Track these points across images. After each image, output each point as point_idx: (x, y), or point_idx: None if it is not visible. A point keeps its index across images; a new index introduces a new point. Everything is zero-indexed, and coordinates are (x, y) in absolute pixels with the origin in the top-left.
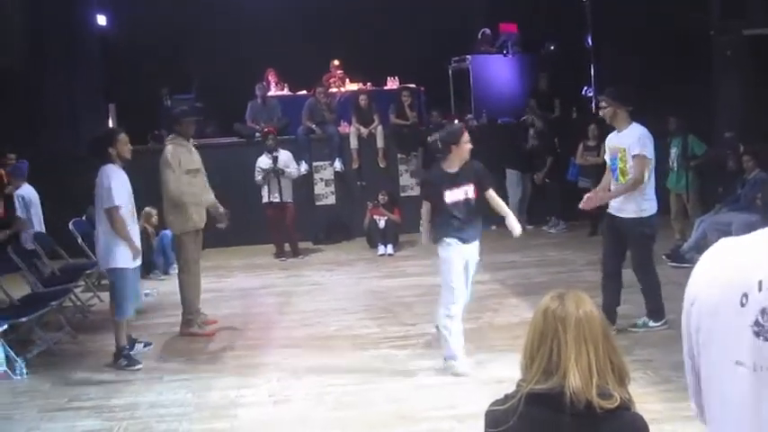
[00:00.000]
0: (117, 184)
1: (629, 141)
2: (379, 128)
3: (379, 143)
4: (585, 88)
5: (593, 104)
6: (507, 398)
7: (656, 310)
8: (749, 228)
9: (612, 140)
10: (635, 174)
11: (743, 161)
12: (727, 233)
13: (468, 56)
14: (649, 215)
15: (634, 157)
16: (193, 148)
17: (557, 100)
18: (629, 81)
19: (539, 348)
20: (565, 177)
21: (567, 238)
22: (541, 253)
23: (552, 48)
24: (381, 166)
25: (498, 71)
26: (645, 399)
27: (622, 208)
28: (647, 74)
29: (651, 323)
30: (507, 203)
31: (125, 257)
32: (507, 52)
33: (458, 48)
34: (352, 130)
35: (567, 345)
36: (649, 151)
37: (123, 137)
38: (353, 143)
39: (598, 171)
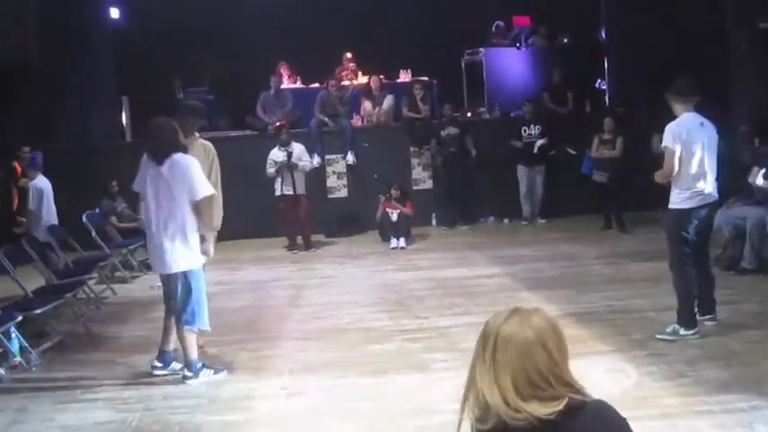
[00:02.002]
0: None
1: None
2: (389, 97)
3: (385, 106)
4: (599, 81)
5: (607, 98)
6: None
7: (685, 316)
8: (763, 222)
9: None
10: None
11: (757, 154)
12: (741, 227)
13: (481, 49)
14: (678, 209)
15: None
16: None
17: (570, 93)
18: (643, 74)
19: (469, 381)
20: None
21: (579, 233)
22: (553, 247)
23: (566, 41)
24: (381, 120)
25: (511, 64)
26: (659, 393)
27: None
28: (661, 68)
29: (682, 331)
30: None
31: (198, 255)
32: (520, 45)
33: (471, 40)
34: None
35: (482, 364)
36: (671, 141)
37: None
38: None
39: (613, 164)
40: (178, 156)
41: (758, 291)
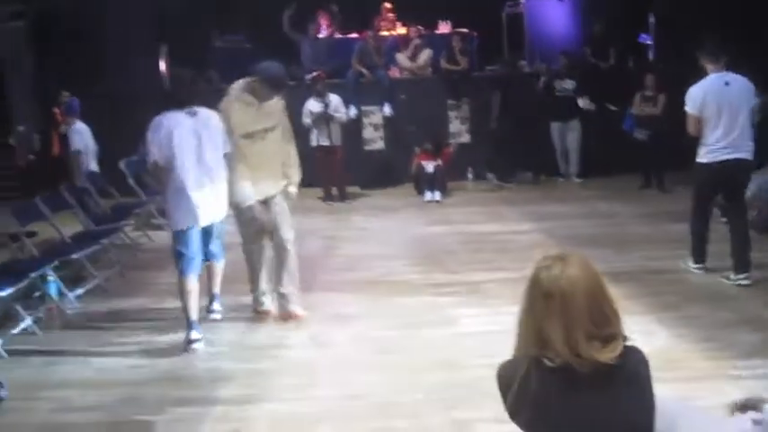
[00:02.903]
0: None
1: None
2: (427, 51)
3: (421, 61)
4: (642, 36)
5: (651, 53)
6: (517, 364)
7: (691, 250)
8: None
9: None
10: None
11: None
12: None
13: (522, 0)
14: (699, 162)
15: None
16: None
17: (612, 47)
18: (689, 28)
19: (527, 321)
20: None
21: (618, 191)
22: (590, 204)
23: None
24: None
25: (553, 16)
26: (688, 356)
27: None
28: (709, 20)
29: (689, 263)
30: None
31: None
32: None
33: None
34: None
35: (552, 318)
36: (690, 106)
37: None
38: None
39: (654, 122)
40: (205, 109)
41: None
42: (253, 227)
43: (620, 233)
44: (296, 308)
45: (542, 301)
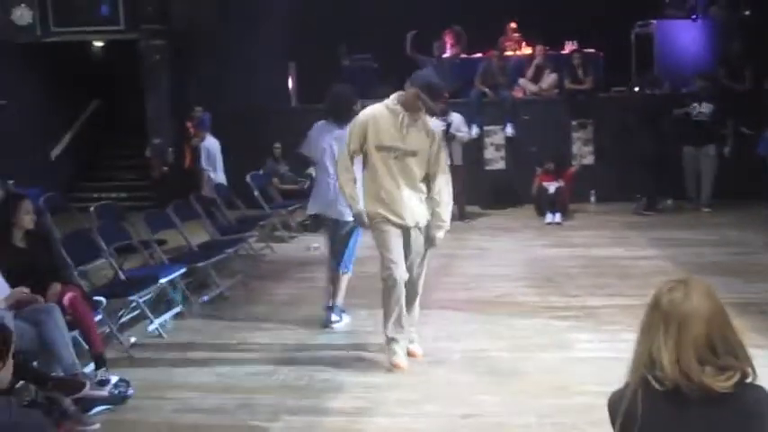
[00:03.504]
0: None
1: None
2: (552, 76)
3: (545, 85)
4: None
5: None
6: (626, 389)
7: None
8: None
9: None
10: None
11: None
12: None
13: (653, 20)
14: None
15: None
16: (421, 123)
17: (748, 69)
18: None
19: (641, 342)
20: (753, 151)
21: (750, 218)
22: (719, 232)
23: (747, 12)
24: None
25: (685, 37)
26: None
27: None
28: None
29: None
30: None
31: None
32: (697, 17)
33: (643, 11)
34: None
35: (666, 340)
36: None
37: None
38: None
39: None
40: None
41: None
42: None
43: (751, 262)
44: (415, 347)
45: (660, 324)
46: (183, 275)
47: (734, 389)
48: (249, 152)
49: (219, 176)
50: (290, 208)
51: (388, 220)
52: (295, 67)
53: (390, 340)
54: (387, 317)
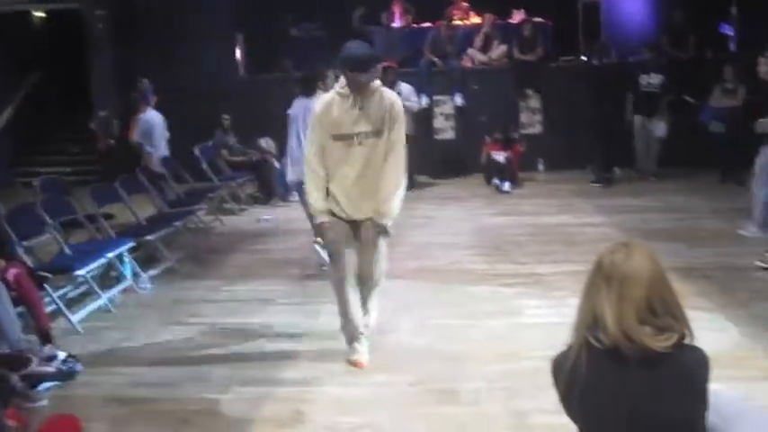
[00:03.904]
0: None
1: None
2: (501, 47)
3: (495, 56)
4: (723, 26)
5: (733, 44)
6: (569, 351)
7: None
8: None
9: None
10: None
11: None
12: None
13: None
14: None
15: None
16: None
17: (691, 37)
18: None
19: (584, 303)
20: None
21: (695, 185)
22: (665, 199)
23: None
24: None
25: (630, 6)
26: (758, 354)
27: None
28: None
29: None
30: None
31: None
32: None
33: None
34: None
35: (608, 300)
36: None
37: (333, 74)
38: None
39: (734, 115)
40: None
41: None
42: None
43: (695, 228)
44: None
45: (602, 284)
46: (131, 249)
47: (672, 349)
48: (197, 124)
49: (161, 150)
50: (239, 180)
51: (338, 217)
52: (242, 37)
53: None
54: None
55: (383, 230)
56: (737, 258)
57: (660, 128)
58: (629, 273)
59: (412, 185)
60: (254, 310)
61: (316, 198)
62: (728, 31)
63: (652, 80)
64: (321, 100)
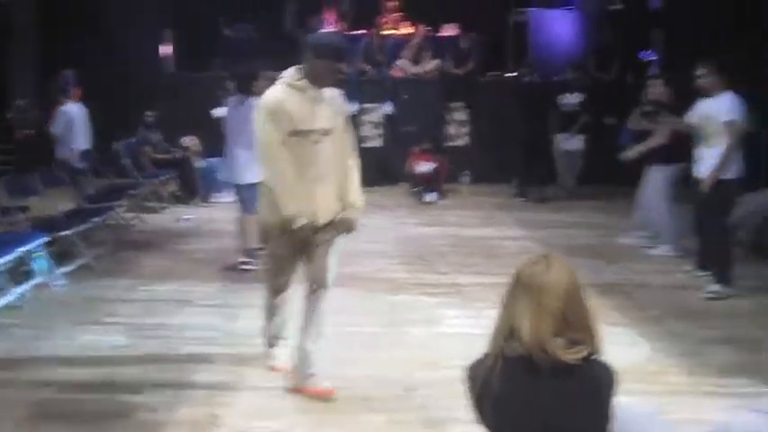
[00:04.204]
0: None
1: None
2: (435, 62)
3: (428, 68)
4: (644, 52)
5: (654, 69)
6: (485, 360)
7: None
8: None
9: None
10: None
11: None
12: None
13: (529, 8)
14: (731, 178)
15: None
16: (327, 96)
17: (616, 61)
18: (695, 48)
19: (503, 313)
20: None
21: (615, 203)
22: (583, 215)
23: (618, 6)
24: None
25: (558, 26)
26: (669, 370)
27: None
28: (714, 42)
29: (720, 288)
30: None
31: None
32: (570, 7)
33: None
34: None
35: (525, 310)
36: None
37: (267, 75)
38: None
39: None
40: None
41: None
42: (285, 254)
43: (613, 245)
44: (324, 383)
45: (520, 295)
46: (46, 244)
47: (582, 362)
48: (122, 119)
49: (81, 144)
50: (161, 178)
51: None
52: (172, 34)
53: (273, 340)
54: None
55: (350, 226)
56: (652, 276)
57: (576, 142)
58: (547, 284)
59: None
60: (172, 311)
61: (289, 200)
62: (650, 56)
63: (572, 99)
64: (271, 94)
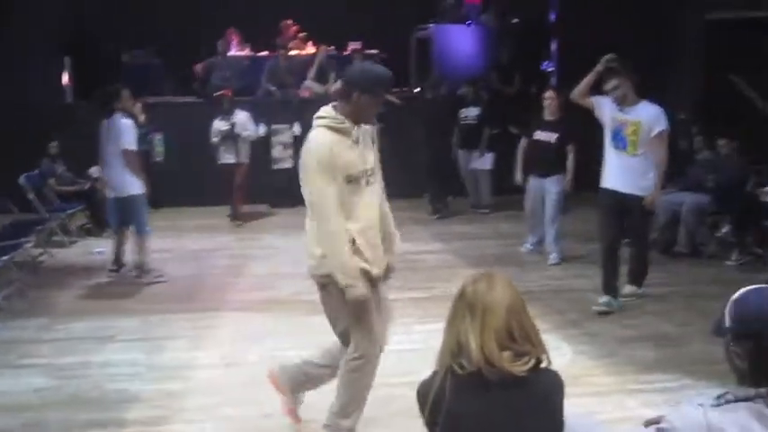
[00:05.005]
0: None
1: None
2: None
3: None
4: (546, 63)
5: (554, 80)
6: (435, 377)
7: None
8: (698, 208)
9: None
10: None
11: (694, 142)
12: (677, 213)
13: (431, 24)
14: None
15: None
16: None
17: (517, 74)
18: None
19: (449, 330)
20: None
21: (520, 211)
22: (493, 226)
23: (516, 21)
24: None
25: (460, 42)
26: (591, 371)
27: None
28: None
29: (639, 290)
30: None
31: (140, 186)
32: (470, 23)
33: (423, 16)
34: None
35: (471, 327)
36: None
37: (126, 93)
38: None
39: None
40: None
41: (691, 274)
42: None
43: (523, 253)
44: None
45: (465, 313)
46: None
47: (530, 373)
48: (23, 151)
49: None
50: (69, 211)
51: (369, 276)
52: (71, 62)
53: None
54: (356, 407)
55: (391, 274)
56: (568, 281)
57: (485, 161)
58: (490, 302)
59: (236, 217)
60: (92, 349)
61: (347, 259)
62: (550, 67)
63: (470, 113)
64: (319, 143)
